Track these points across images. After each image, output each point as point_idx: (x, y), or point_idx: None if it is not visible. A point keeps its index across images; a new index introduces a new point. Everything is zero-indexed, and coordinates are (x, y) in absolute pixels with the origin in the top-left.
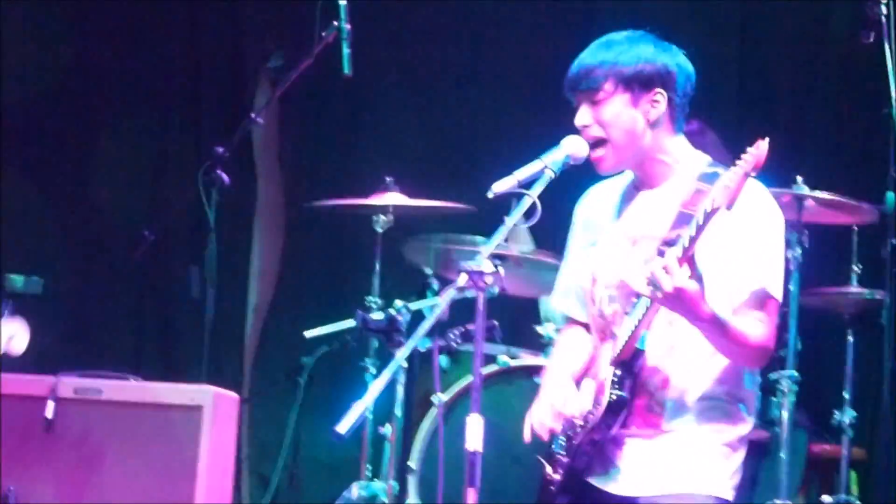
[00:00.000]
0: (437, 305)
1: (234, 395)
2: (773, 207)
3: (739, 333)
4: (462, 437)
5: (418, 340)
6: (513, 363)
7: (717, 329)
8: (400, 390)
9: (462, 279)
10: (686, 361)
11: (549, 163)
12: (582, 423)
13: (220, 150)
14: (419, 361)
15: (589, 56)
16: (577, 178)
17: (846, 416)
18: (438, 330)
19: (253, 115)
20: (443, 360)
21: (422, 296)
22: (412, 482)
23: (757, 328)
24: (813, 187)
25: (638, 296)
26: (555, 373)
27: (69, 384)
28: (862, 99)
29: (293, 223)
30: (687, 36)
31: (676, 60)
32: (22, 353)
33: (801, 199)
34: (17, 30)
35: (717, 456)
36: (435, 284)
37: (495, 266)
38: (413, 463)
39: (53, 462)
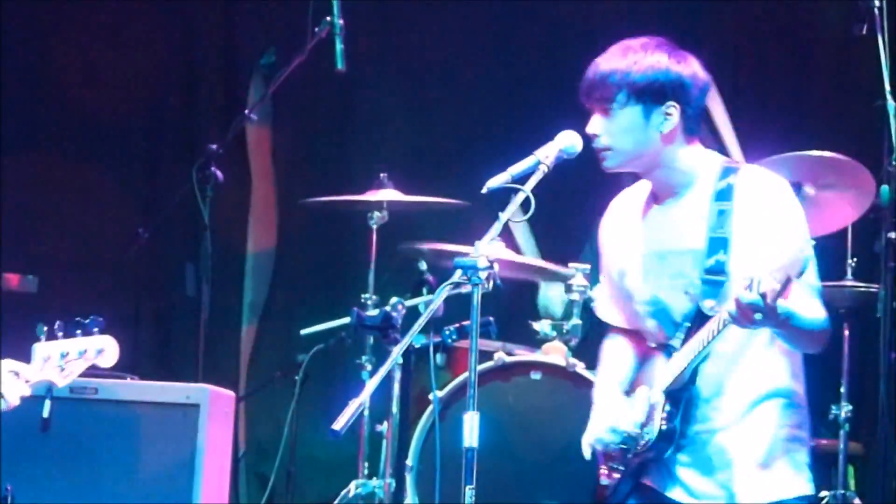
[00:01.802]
0: (432, 302)
1: (230, 392)
2: (790, 198)
3: (810, 322)
4: (459, 434)
5: (414, 337)
6: (509, 359)
7: (794, 328)
8: (396, 387)
9: (457, 275)
10: (736, 368)
11: (543, 158)
12: (636, 438)
13: (214, 147)
14: (415, 358)
15: (604, 63)
16: (581, 182)
17: (843, 411)
18: (434, 326)
19: (246, 112)
20: (439, 357)
21: (417, 292)
22: (409, 479)
23: (818, 311)
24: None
25: (692, 325)
26: (606, 387)
27: (59, 388)
28: (855, 91)
29: (288, 220)
30: (681, 30)
31: (692, 71)
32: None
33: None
34: (14, 28)
35: (787, 455)
36: (430, 280)
37: (490, 262)
38: (410, 460)
39: (50, 461)
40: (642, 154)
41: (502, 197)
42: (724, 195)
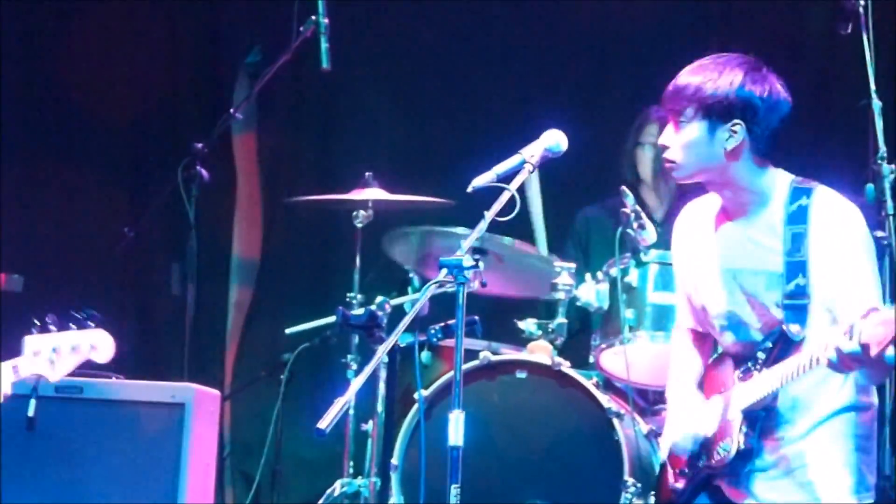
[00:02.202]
0: (417, 300)
1: (215, 392)
2: (862, 225)
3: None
4: (444, 433)
5: (399, 336)
6: (494, 358)
7: (884, 367)
8: (381, 386)
9: (442, 274)
10: (811, 386)
11: (528, 156)
12: (711, 450)
13: (200, 145)
14: (400, 357)
15: (682, 77)
16: (565, 181)
17: None
18: (419, 325)
19: (232, 111)
20: (424, 356)
21: (402, 291)
22: (395, 478)
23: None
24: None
25: (774, 345)
26: (683, 388)
27: (51, 382)
28: (840, 90)
29: (273, 219)
30: (667, 28)
31: (766, 92)
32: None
33: None
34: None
35: (852, 463)
36: (416, 279)
37: (475, 261)
38: (395, 459)
39: (36, 460)
40: (706, 169)
41: (488, 196)
42: (798, 218)
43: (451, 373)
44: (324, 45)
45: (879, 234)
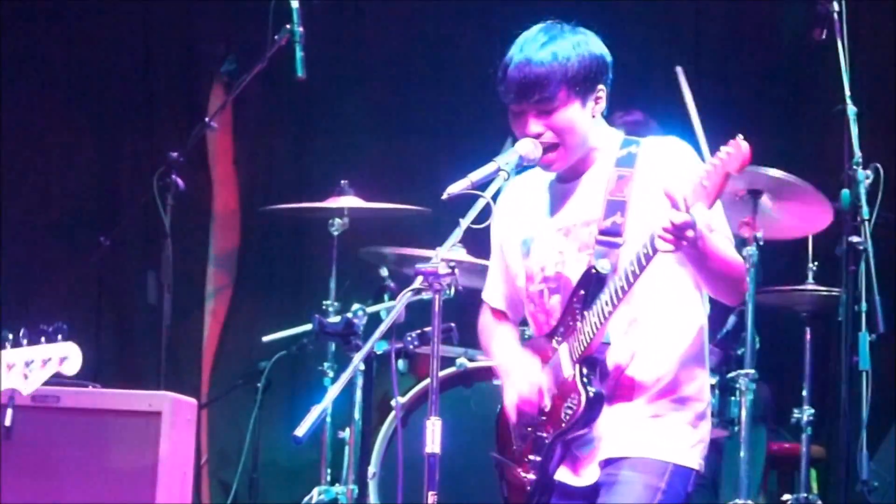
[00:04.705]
0: (393, 308)
1: (192, 400)
2: (691, 151)
3: (725, 254)
4: (421, 440)
5: (375, 343)
6: (471, 365)
7: (712, 256)
8: (358, 394)
9: (418, 281)
10: (646, 339)
11: (503, 164)
12: (546, 419)
13: (175, 154)
14: (377, 365)
15: (536, 64)
16: None
17: (805, 414)
18: (395, 333)
19: (207, 120)
20: (400, 364)
21: (378, 299)
22: (372, 486)
23: (735, 254)
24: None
25: (586, 290)
26: (511, 350)
27: (24, 395)
28: (815, 96)
29: (249, 227)
30: (642, 35)
31: (600, 47)
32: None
33: (757, 196)
34: None
35: (677, 427)
36: (392, 287)
37: (451, 268)
38: (373, 466)
39: (12, 470)
40: (583, 143)
41: (463, 203)
42: (625, 162)
43: (428, 380)
44: (298, 54)
45: (855, 239)
